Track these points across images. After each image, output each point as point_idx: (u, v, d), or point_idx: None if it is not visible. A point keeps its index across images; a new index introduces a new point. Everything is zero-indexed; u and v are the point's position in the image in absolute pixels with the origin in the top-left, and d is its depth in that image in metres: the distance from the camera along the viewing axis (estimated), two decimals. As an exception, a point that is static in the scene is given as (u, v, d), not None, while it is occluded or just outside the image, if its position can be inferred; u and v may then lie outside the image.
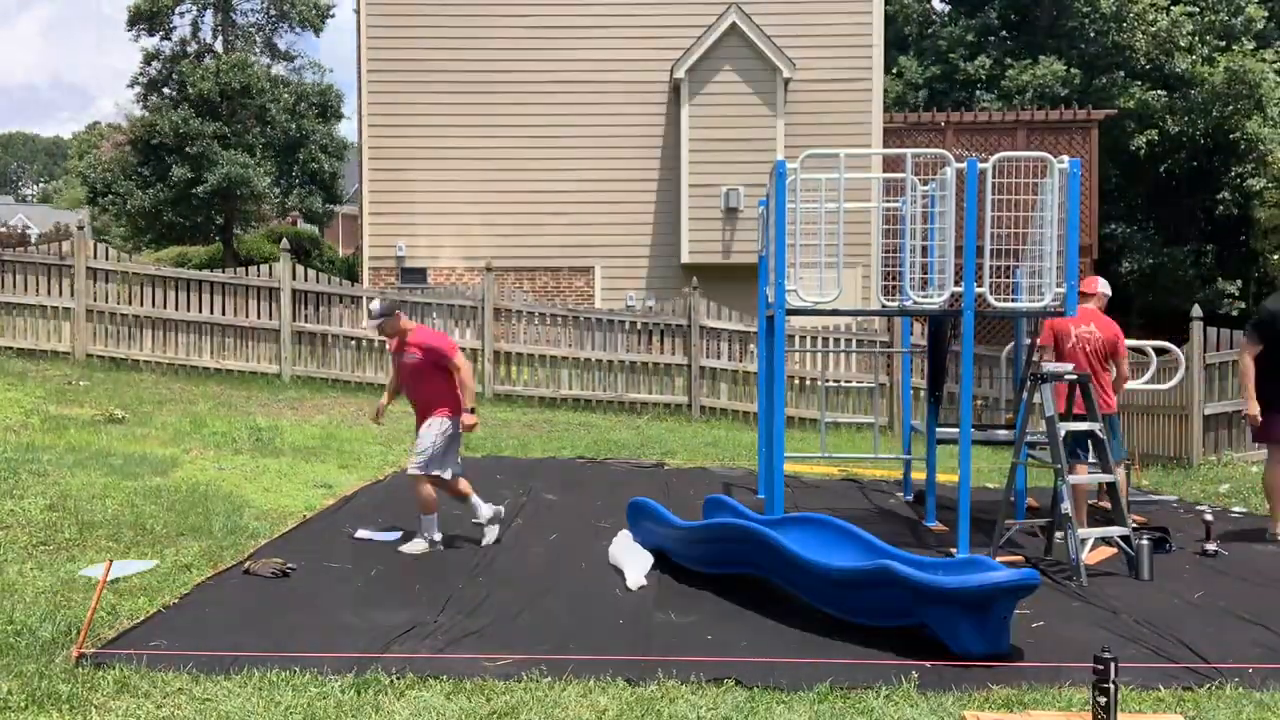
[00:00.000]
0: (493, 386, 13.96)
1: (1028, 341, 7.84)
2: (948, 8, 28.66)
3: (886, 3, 22.06)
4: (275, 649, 4.61)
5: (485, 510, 6.86)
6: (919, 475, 8.63)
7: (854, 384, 14.11)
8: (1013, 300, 7.21)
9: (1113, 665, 3.87)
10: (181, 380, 13.08)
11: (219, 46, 29.19)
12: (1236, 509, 8.80)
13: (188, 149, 25.77)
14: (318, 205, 29.03)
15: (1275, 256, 22.72)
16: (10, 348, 13.14)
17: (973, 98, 25.19)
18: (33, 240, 29.55)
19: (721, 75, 17.70)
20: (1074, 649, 4.82)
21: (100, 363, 13.25)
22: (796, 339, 14.10)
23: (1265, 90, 23.40)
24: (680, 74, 17.60)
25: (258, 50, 29.86)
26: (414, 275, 18.31)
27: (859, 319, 14.49)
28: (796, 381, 14.17)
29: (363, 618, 5.16)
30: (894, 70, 25.92)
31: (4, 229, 35.10)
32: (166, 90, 28.33)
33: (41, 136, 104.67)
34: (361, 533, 6.92)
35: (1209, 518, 7.24)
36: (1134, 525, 7.05)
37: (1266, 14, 25.66)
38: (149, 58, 28.58)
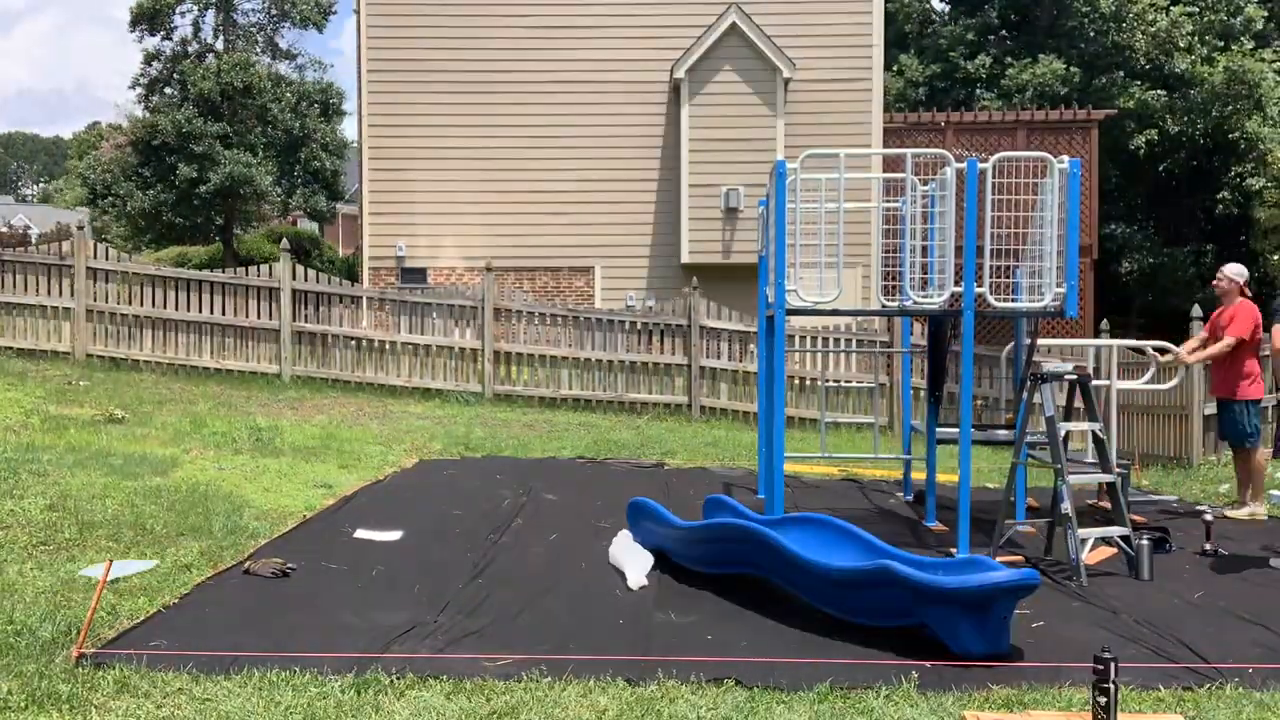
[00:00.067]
0: (493, 386, 13.96)
1: (1027, 341, 7.84)
2: (948, 7, 28.69)
3: (886, 1, 22.07)
4: (275, 649, 4.61)
5: None
6: (919, 475, 8.63)
7: (854, 384, 14.11)
8: (1013, 300, 7.21)
9: (1113, 665, 3.87)
10: (181, 380, 13.08)
11: (220, 46, 29.20)
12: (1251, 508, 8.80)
13: (191, 149, 25.78)
14: (320, 204, 29.04)
15: (1275, 256, 22.72)
16: (10, 348, 13.14)
17: (973, 96, 25.21)
18: (33, 240, 29.54)
19: (721, 75, 17.70)
20: (1074, 649, 4.82)
21: (100, 363, 13.25)
22: (796, 339, 14.10)
23: (1265, 90, 23.42)
24: (680, 74, 17.60)
25: (259, 49, 29.87)
26: (414, 275, 18.32)
27: (859, 319, 14.49)
28: (796, 381, 14.17)
29: (363, 618, 5.16)
30: (894, 68, 25.93)
31: (6, 229, 35.09)
32: (168, 90, 28.34)
33: (41, 136, 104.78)
34: (361, 533, 6.92)
35: (1209, 518, 7.24)
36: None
37: (1266, 14, 25.68)
38: (150, 58, 28.60)
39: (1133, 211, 25.70)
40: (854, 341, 14.43)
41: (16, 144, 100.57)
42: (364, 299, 14.24)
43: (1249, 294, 8.52)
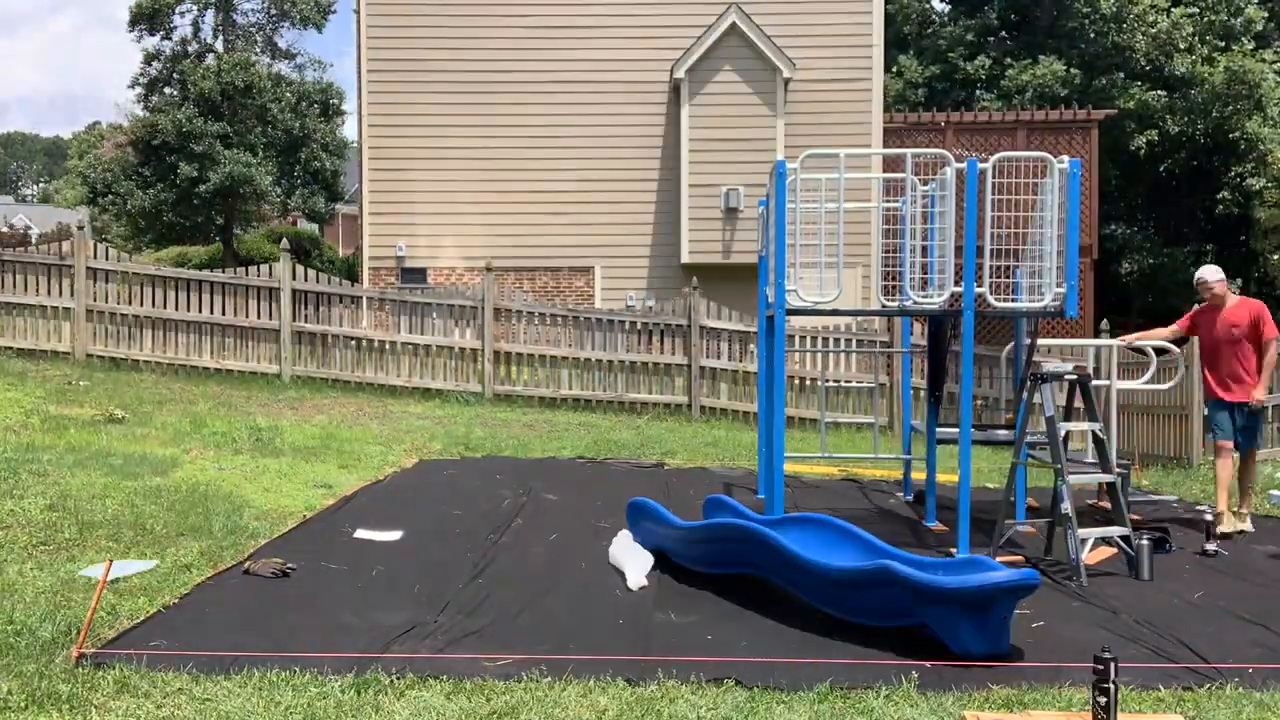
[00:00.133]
0: (493, 386, 13.96)
1: (1027, 341, 7.84)
2: (947, 7, 28.68)
3: (886, 2, 22.07)
4: (275, 649, 4.61)
5: None
6: (919, 475, 8.63)
7: (854, 384, 14.11)
8: (1013, 300, 7.21)
9: (1113, 665, 3.87)
10: (181, 380, 13.08)
11: (220, 46, 29.19)
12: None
13: (191, 148, 25.78)
14: (320, 204, 29.05)
15: (1275, 256, 22.72)
16: (10, 348, 13.14)
17: (973, 97, 25.21)
18: (33, 240, 29.55)
19: (721, 75, 17.70)
20: (1074, 649, 4.82)
21: (100, 363, 13.25)
22: (796, 339, 14.10)
23: (1265, 90, 23.42)
24: (680, 74, 17.60)
25: (259, 49, 29.87)
26: (414, 275, 18.32)
27: (859, 319, 14.49)
28: (796, 381, 14.17)
29: (363, 618, 5.16)
30: (894, 69, 25.93)
31: (6, 229, 35.10)
32: (168, 90, 28.34)
33: (41, 136, 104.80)
34: (361, 533, 6.92)
35: (1209, 518, 7.24)
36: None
37: (1266, 14, 25.69)
38: (149, 58, 28.60)
39: (1133, 211, 25.69)
40: (854, 341, 14.43)
41: (16, 144, 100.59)
42: (364, 299, 14.24)
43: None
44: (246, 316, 13.69)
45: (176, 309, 13.58)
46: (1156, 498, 9.30)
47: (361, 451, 9.77)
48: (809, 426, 13.46)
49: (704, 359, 14.18)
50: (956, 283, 6.79)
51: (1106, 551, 6.85)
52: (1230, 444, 7.80)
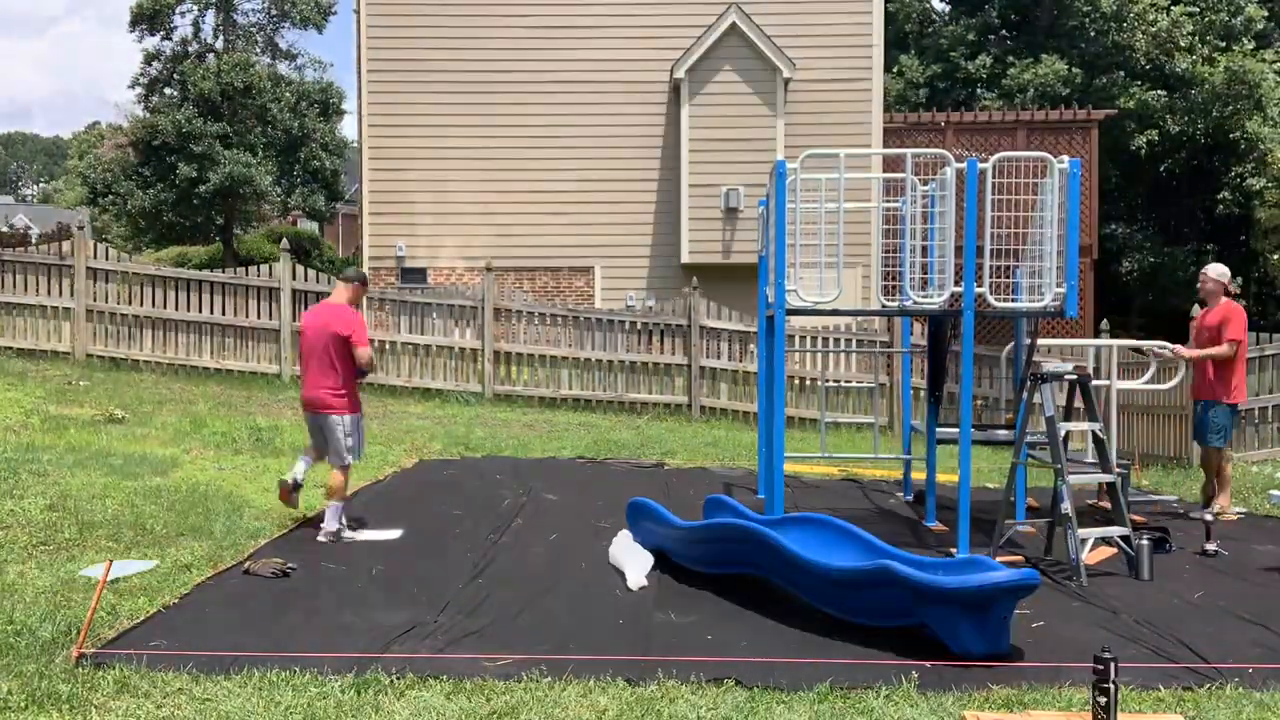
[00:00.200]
0: (493, 386, 13.96)
1: (1027, 341, 7.84)
2: (948, 7, 28.68)
3: (887, 1, 22.07)
4: (275, 649, 4.61)
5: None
6: (919, 475, 8.63)
7: (854, 384, 14.11)
8: (1013, 300, 7.21)
9: (1113, 665, 3.87)
10: (181, 380, 13.08)
11: (220, 46, 29.20)
12: (1236, 509, 8.79)
13: (191, 149, 25.79)
14: (319, 204, 29.05)
15: (1275, 256, 22.72)
16: (10, 348, 13.14)
17: (973, 96, 25.22)
18: (33, 240, 29.56)
19: (721, 75, 17.70)
20: (1074, 649, 4.82)
21: (100, 363, 13.25)
22: (796, 339, 14.10)
23: (1265, 90, 23.42)
24: (680, 74, 17.60)
25: (259, 49, 29.87)
26: (414, 275, 18.31)
27: (859, 319, 14.49)
28: (796, 381, 14.17)
29: (363, 618, 5.16)
30: (894, 69, 25.93)
31: (6, 229, 35.10)
32: (168, 90, 28.34)
33: (41, 136, 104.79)
34: (361, 533, 6.92)
35: (1209, 518, 7.24)
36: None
37: (1266, 14, 25.67)
38: (150, 58, 28.60)
39: (1133, 211, 25.70)
40: (854, 341, 14.43)
41: (16, 144, 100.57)
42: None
43: (1233, 293, 8.52)
44: (247, 316, 13.69)
45: (176, 309, 13.58)
46: (1156, 498, 9.29)
47: (361, 451, 9.76)
48: (809, 426, 13.46)
49: (704, 359, 14.18)
50: (956, 283, 6.79)
51: (1106, 551, 6.85)
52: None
